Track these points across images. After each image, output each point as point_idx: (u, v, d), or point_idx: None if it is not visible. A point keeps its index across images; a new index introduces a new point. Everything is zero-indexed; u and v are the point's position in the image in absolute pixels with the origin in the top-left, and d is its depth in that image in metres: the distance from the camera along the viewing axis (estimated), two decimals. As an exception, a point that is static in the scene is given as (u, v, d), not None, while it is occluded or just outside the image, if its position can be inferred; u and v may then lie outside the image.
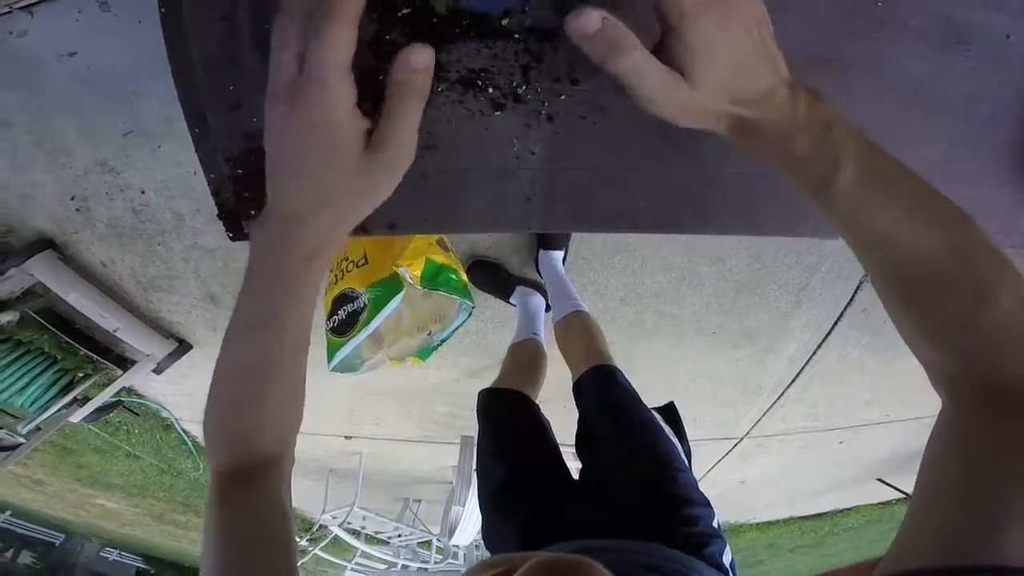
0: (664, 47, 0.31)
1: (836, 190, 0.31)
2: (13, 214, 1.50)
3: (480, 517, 0.95)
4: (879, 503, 4.06)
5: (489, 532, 0.87)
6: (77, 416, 1.96)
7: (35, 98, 1.22)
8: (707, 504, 0.74)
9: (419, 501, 3.02)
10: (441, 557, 2.65)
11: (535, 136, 0.40)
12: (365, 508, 2.57)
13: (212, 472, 0.43)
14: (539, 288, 1.58)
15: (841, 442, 2.65)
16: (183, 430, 2.57)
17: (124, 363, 2.01)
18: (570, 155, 0.42)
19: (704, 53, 0.30)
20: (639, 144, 0.43)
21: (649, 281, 1.67)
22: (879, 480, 3.25)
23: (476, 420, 1.08)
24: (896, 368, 2.02)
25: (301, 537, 2.87)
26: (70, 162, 1.35)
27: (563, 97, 0.39)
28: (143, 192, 1.44)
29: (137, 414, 2.46)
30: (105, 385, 1.99)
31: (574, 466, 0.95)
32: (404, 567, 2.61)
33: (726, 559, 0.68)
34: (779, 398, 2.22)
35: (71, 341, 1.84)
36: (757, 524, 4.43)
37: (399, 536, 2.83)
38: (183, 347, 2.02)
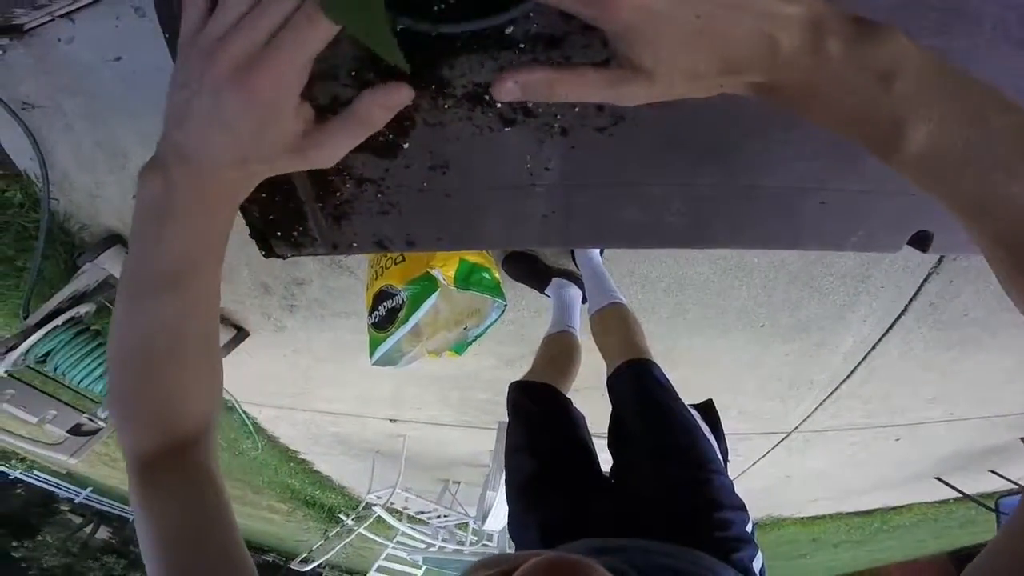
0: (609, 48, 0.28)
1: (907, 154, 0.26)
2: (84, 212, 1.62)
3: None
4: (935, 502, 3.87)
5: (513, 523, 0.87)
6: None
7: (91, 101, 1.30)
8: (741, 508, 0.72)
9: (458, 483, 3.11)
10: (477, 539, 2.72)
11: (549, 151, 0.39)
12: (407, 489, 2.67)
13: (130, 457, 0.40)
14: (576, 279, 1.55)
15: (897, 439, 2.51)
16: (243, 411, 2.74)
17: (188, 349, 2.15)
18: (588, 170, 0.40)
19: (634, 41, 0.26)
20: (664, 155, 0.40)
21: (693, 272, 1.61)
22: (937, 479, 3.05)
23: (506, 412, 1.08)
24: (966, 364, 1.87)
25: (347, 515, 3.02)
26: (127, 162, 1.43)
27: (576, 109, 0.37)
28: (197, 190, 1.52)
29: (200, 397, 2.64)
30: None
31: (606, 457, 0.94)
32: (441, 547, 2.70)
33: (756, 565, 0.66)
34: (832, 393, 2.11)
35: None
36: (801, 519, 4.29)
37: (438, 517, 2.93)
38: (241, 334, 2.13)
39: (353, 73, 0.35)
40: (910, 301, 1.64)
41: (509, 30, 0.34)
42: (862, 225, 0.44)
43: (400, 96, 0.30)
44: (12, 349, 1.52)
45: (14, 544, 9.30)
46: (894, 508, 4.13)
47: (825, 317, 1.72)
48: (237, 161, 0.31)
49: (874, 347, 1.84)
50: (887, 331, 1.76)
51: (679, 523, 0.69)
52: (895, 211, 0.44)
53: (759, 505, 3.98)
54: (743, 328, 1.79)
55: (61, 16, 1.11)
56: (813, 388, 2.10)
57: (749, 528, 0.70)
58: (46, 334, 1.55)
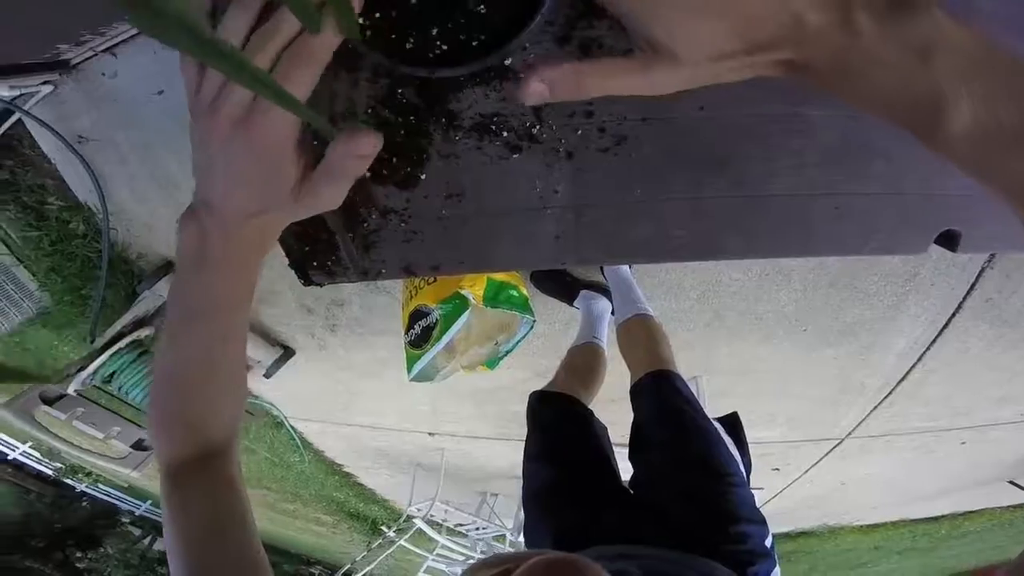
0: (630, 35, 0.28)
1: (950, 134, 0.24)
2: (141, 241, 1.74)
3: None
4: (1010, 506, 3.57)
5: (529, 531, 0.88)
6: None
7: (141, 134, 1.38)
8: (761, 522, 0.71)
9: (495, 495, 3.11)
10: (513, 551, 2.71)
11: (557, 175, 0.40)
12: (446, 502, 2.69)
13: (163, 464, 0.44)
14: (604, 291, 1.55)
15: (963, 442, 2.34)
16: (291, 427, 2.84)
17: (239, 368, 2.26)
18: (595, 190, 0.41)
19: (647, 21, 0.25)
20: (669, 170, 0.41)
21: (727, 278, 1.58)
22: (1011, 483, 2.83)
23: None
24: (1036, 363, 1.74)
25: (389, 527, 3.07)
26: (178, 193, 1.52)
27: (580, 132, 0.39)
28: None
29: (252, 414, 2.76)
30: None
31: (625, 466, 0.94)
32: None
33: None
34: (886, 397, 2.00)
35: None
36: (861, 527, 4.06)
37: (476, 529, 2.94)
38: (287, 353, 2.23)
39: (369, 111, 0.38)
40: (964, 299, 1.55)
41: (508, 61, 0.36)
42: (881, 228, 0.43)
43: (366, 144, 0.31)
44: (81, 370, 1.65)
45: (78, 555, 9.79)
46: (963, 513, 3.86)
47: (872, 319, 1.65)
48: (257, 211, 0.33)
49: (928, 348, 1.74)
50: (941, 330, 1.67)
51: (696, 534, 0.69)
52: (916, 211, 0.44)
53: (813, 514, 3.79)
54: (785, 333, 1.73)
55: (104, 51, 1.17)
56: (865, 392, 2.00)
57: (768, 542, 0.70)
58: (111, 356, 1.67)
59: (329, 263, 0.47)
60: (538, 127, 0.39)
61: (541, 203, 0.42)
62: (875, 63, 0.24)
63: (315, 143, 0.34)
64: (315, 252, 0.48)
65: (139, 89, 1.26)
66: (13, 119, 1.36)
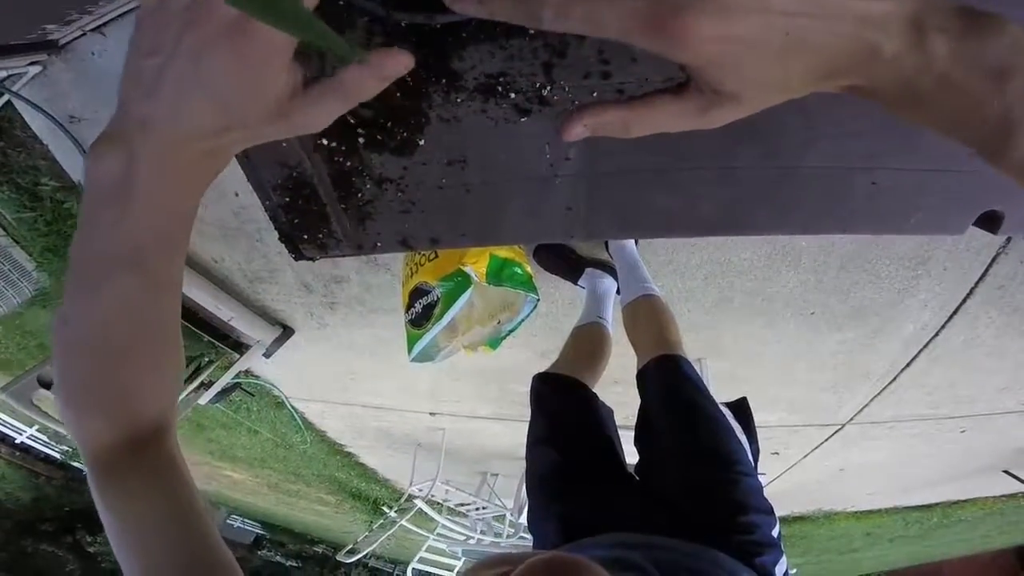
0: (693, 78, 0.26)
1: (1016, 159, 0.24)
2: (138, 221, 1.71)
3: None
4: (1003, 496, 3.63)
5: (533, 515, 0.86)
6: (205, 398, 2.24)
7: None
8: (768, 512, 0.70)
9: (496, 475, 3.14)
10: (513, 531, 2.74)
11: (568, 140, 0.37)
12: (447, 482, 2.71)
13: (87, 453, 0.36)
14: (610, 269, 1.52)
15: (963, 431, 2.35)
16: (292, 407, 2.85)
17: (240, 348, 2.25)
18: (611, 158, 0.38)
19: (717, 72, 0.24)
20: (695, 138, 0.37)
21: (736, 258, 1.54)
22: (1006, 472, 2.85)
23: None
24: (1043, 352, 1.72)
25: (390, 507, 3.11)
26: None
27: (595, 94, 0.35)
28: (237, 194, 1.57)
29: (252, 394, 2.77)
30: (226, 368, 2.25)
31: (630, 449, 0.92)
32: (479, 540, 2.74)
33: (779, 570, 0.65)
34: (890, 383, 1.99)
35: (196, 330, 2.10)
36: (855, 512, 4.11)
37: (477, 509, 2.97)
38: (287, 332, 2.22)
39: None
40: (976, 284, 1.51)
41: None
42: (920, 206, 0.40)
43: (397, 63, 0.27)
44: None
45: (88, 539, 9.95)
46: (956, 502, 3.91)
47: (881, 303, 1.62)
48: (217, 129, 0.28)
49: (937, 334, 1.72)
50: (951, 317, 1.64)
51: (703, 523, 0.68)
52: (958, 190, 0.40)
53: (811, 498, 3.83)
54: (792, 316, 1.70)
55: (92, 30, 1.14)
56: (870, 378, 1.99)
57: (775, 532, 0.69)
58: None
59: (321, 236, 0.44)
60: (549, 88, 0.35)
61: (551, 171, 0.38)
62: (948, 87, 0.23)
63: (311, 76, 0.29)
64: (305, 224, 0.45)
65: None
66: (2, 101, 1.33)
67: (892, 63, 0.23)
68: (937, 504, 3.96)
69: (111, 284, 0.31)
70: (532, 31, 0.32)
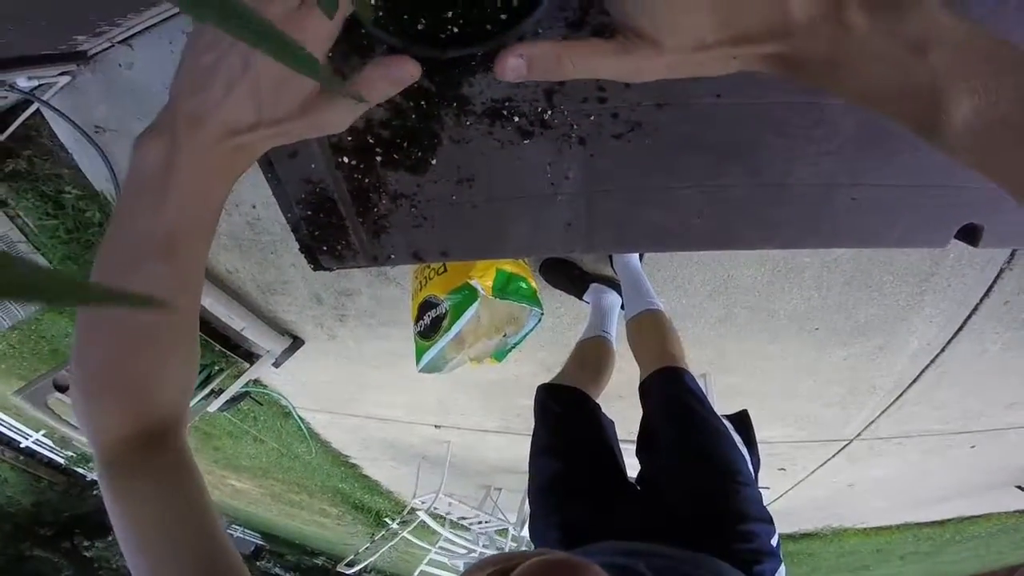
0: (613, 20, 0.28)
1: (953, 131, 0.23)
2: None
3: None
4: (1016, 511, 3.55)
5: (534, 525, 0.87)
6: (214, 406, 2.27)
7: None
8: (767, 521, 0.71)
9: (499, 490, 3.12)
10: (516, 545, 2.73)
11: (568, 160, 0.40)
12: (450, 495, 2.70)
13: (99, 447, 0.36)
14: (614, 285, 1.54)
15: (973, 446, 2.32)
16: (299, 417, 2.87)
17: (251, 358, 2.28)
18: (608, 177, 0.41)
19: (630, 6, 0.25)
20: (684, 157, 0.41)
21: (739, 274, 1.56)
22: (1019, 488, 2.80)
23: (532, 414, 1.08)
24: (1051, 367, 1.71)
25: (393, 519, 3.10)
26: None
27: (592, 118, 0.38)
28: (254, 207, 1.62)
29: (260, 404, 2.79)
30: (236, 377, 2.28)
31: (632, 463, 0.93)
32: (481, 554, 2.72)
33: None
34: (897, 399, 1.98)
35: (208, 339, 2.14)
36: (865, 529, 4.03)
37: (479, 523, 2.95)
38: (296, 343, 2.25)
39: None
40: (981, 300, 1.52)
41: None
42: (900, 220, 0.43)
43: (404, 71, 0.29)
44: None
45: (86, 544, 9.89)
46: (969, 518, 3.82)
47: (886, 319, 1.62)
48: (251, 124, 0.30)
49: (943, 349, 1.71)
50: (957, 332, 1.64)
51: (702, 533, 0.69)
52: (937, 204, 0.43)
53: (819, 515, 3.76)
54: (796, 332, 1.71)
55: (120, 42, 1.17)
56: (876, 393, 1.98)
57: (774, 542, 0.70)
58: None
59: (339, 247, 0.47)
60: (550, 112, 0.38)
61: (552, 189, 0.41)
62: (868, 57, 0.23)
63: (329, 55, 0.32)
64: (325, 236, 0.48)
65: (155, 80, 1.27)
66: (31, 109, 1.37)
67: (808, 30, 0.23)
68: (949, 520, 3.88)
69: (142, 270, 0.32)
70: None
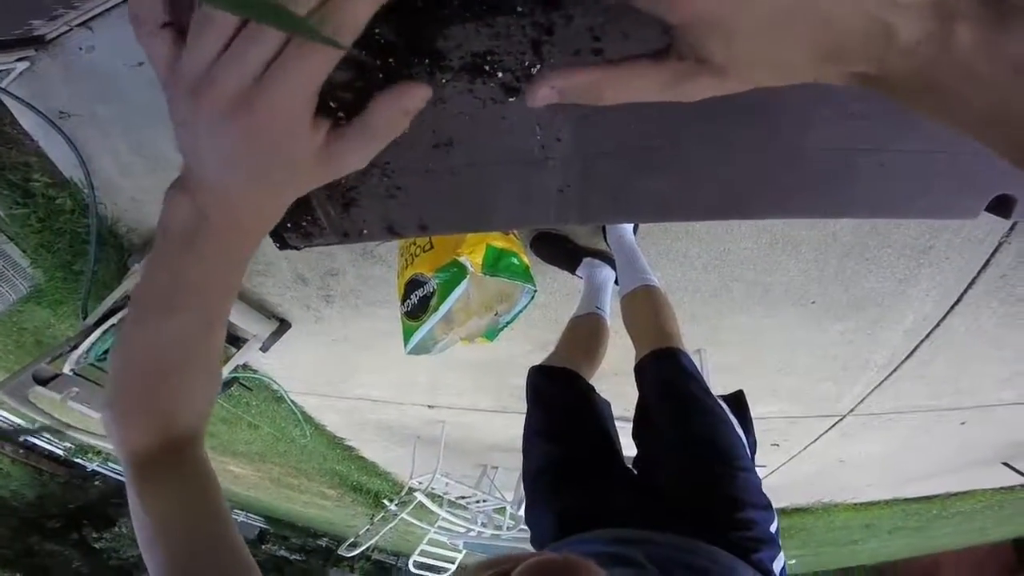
0: (673, 38, 0.24)
1: None
2: (130, 215, 1.69)
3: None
4: (1001, 488, 3.66)
5: (530, 510, 0.86)
6: (203, 393, 2.23)
7: (121, 108, 1.33)
8: (766, 507, 0.70)
9: (496, 468, 3.15)
10: (514, 523, 2.76)
11: (560, 120, 0.35)
12: (447, 474, 2.71)
13: (127, 455, 0.40)
14: (608, 259, 1.50)
15: (963, 423, 2.35)
16: (292, 401, 2.84)
17: (237, 342, 2.24)
18: (605, 138, 0.36)
19: (705, 34, 0.22)
20: (689, 119, 0.36)
21: (736, 247, 1.53)
22: (1005, 464, 2.86)
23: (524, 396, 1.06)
24: (1045, 342, 1.71)
25: (391, 500, 3.11)
26: (164, 166, 1.47)
27: (589, 72, 0.33)
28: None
29: (250, 388, 2.76)
30: (223, 363, 2.24)
31: (628, 442, 0.91)
32: (480, 532, 2.75)
33: (776, 566, 0.66)
34: (891, 374, 1.98)
35: (192, 324, 2.09)
36: (855, 504, 4.13)
37: (477, 502, 2.98)
38: (284, 326, 2.21)
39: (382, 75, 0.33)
40: (978, 274, 1.50)
41: None
42: (929, 189, 0.39)
43: (415, 97, 0.28)
44: (75, 348, 1.61)
45: (94, 535, 9.97)
46: (955, 494, 3.94)
47: (883, 293, 1.61)
48: (263, 188, 0.30)
49: (938, 324, 1.71)
50: (952, 306, 1.63)
51: (701, 519, 0.68)
52: (969, 173, 0.39)
53: (810, 490, 3.84)
54: (792, 306, 1.69)
55: (79, 25, 1.13)
56: (870, 368, 1.98)
57: (773, 528, 0.69)
58: (104, 333, 1.64)
59: (304, 224, 0.43)
60: (538, 67, 0.33)
61: (542, 153, 0.37)
62: (969, 80, 0.21)
63: (331, 103, 0.30)
64: (290, 212, 0.43)
65: (117, 62, 1.21)
66: (-9, 98, 1.31)
67: (908, 50, 0.21)
68: (936, 496, 3.99)
69: (173, 320, 0.35)
70: (521, 8, 0.30)
